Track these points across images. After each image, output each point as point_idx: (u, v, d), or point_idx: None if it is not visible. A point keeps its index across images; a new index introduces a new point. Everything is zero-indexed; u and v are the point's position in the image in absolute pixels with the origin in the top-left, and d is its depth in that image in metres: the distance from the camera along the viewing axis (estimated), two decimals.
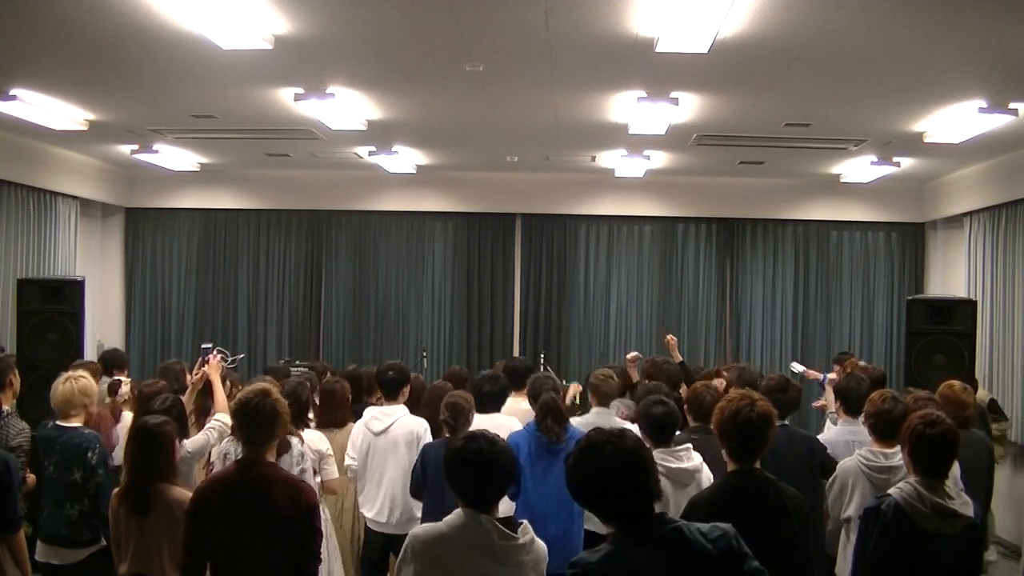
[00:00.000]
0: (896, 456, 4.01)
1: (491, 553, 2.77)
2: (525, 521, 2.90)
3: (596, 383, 5.41)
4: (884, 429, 4.09)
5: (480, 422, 5.09)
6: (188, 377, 5.37)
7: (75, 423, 4.36)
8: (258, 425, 3.27)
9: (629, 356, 6.81)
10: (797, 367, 8.05)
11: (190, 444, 4.35)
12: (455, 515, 2.85)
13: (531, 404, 5.05)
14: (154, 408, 4.18)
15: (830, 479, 4.20)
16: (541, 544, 2.90)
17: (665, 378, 5.90)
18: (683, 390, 5.76)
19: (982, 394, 7.68)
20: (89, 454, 4.24)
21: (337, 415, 5.33)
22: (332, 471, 4.79)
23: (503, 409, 5.27)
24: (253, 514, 3.18)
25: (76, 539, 4.22)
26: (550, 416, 4.59)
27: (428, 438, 4.93)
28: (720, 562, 2.43)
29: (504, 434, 4.59)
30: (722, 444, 3.26)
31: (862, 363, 7.54)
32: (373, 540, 5.08)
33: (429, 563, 2.81)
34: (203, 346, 5.27)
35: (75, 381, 4.39)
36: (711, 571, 2.43)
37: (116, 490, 3.80)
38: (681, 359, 7.04)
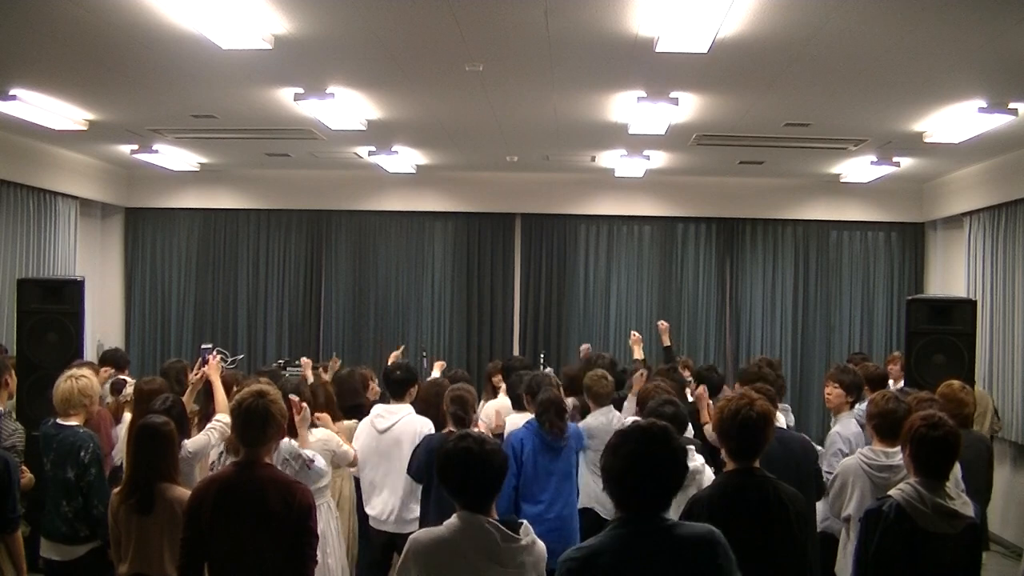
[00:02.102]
0: (897, 455, 4.02)
1: (493, 556, 2.78)
2: (525, 522, 2.91)
3: (590, 384, 5.47)
4: (886, 429, 4.12)
5: (515, 421, 5.14)
6: (189, 377, 5.37)
7: (74, 422, 4.38)
8: (251, 426, 3.28)
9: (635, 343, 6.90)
10: None
11: (191, 444, 4.36)
12: (455, 519, 2.85)
13: (527, 401, 5.06)
14: (155, 408, 4.19)
15: (832, 477, 4.24)
16: (541, 544, 2.92)
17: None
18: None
19: (981, 392, 7.70)
20: (82, 453, 4.26)
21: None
22: (348, 452, 4.82)
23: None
24: (248, 514, 3.19)
25: (73, 536, 4.24)
26: (552, 411, 4.62)
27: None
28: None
29: None
30: (721, 443, 3.28)
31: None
32: (375, 539, 5.08)
33: (430, 568, 2.81)
34: (203, 347, 5.26)
35: (75, 380, 4.42)
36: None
37: (117, 489, 3.80)
38: (668, 344, 7.18)
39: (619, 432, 2.66)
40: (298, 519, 3.21)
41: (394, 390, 5.21)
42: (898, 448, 4.01)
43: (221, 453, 4.38)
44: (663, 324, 7.48)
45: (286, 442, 4.29)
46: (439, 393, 5.06)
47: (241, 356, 7.38)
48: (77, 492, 4.23)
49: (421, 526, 4.06)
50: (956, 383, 4.78)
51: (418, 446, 4.70)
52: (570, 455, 4.75)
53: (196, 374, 4.99)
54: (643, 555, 2.48)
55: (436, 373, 6.89)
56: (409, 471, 4.71)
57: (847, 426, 5.05)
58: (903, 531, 3.23)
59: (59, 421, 4.38)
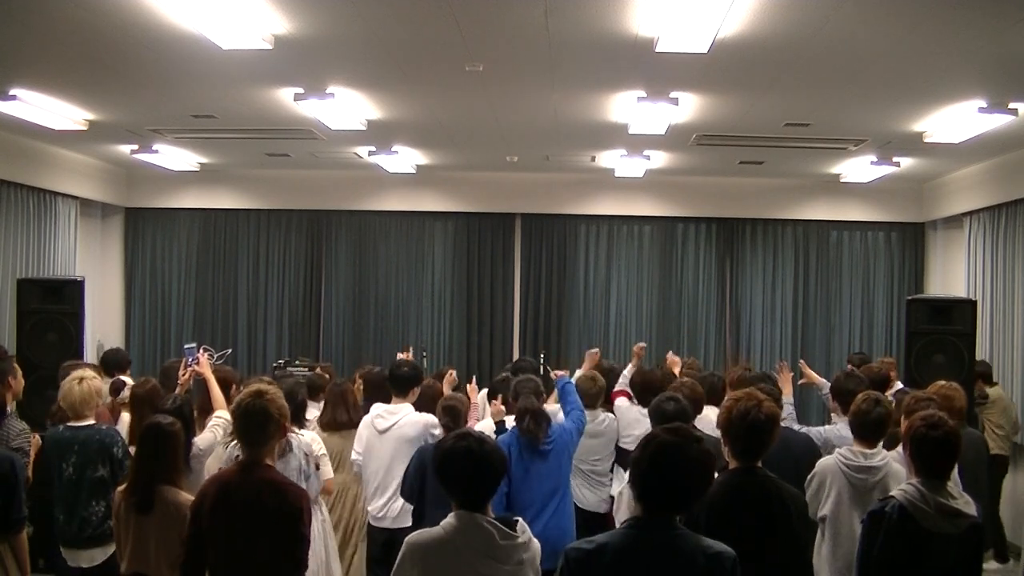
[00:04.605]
0: (876, 456, 4.02)
1: (492, 554, 2.80)
2: (520, 519, 2.94)
3: (581, 387, 5.49)
4: (864, 429, 4.08)
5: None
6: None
7: (89, 421, 4.43)
8: (249, 426, 3.29)
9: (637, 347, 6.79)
10: None
11: (201, 442, 4.39)
12: (451, 518, 2.87)
13: (512, 404, 5.05)
14: (165, 408, 4.21)
15: (808, 476, 4.15)
16: (536, 542, 2.96)
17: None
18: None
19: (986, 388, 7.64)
20: (114, 449, 4.37)
21: (348, 416, 5.40)
22: (328, 471, 4.80)
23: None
24: (244, 515, 3.21)
25: (103, 535, 4.25)
26: (529, 418, 4.61)
27: (438, 433, 4.88)
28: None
29: None
30: (726, 444, 3.28)
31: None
32: (375, 537, 5.11)
33: (428, 568, 2.82)
34: (185, 347, 5.22)
35: (89, 382, 4.47)
36: None
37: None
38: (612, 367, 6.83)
39: (651, 432, 2.71)
40: (288, 522, 3.22)
41: (398, 387, 5.21)
42: (877, 449, 4.04)
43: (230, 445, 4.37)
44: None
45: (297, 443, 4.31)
46: (432, 396, 5.14)
47: (228, 351, 7.29)
48: (112, 487, 4.26)
49: (415, 527, 4.05)
50: (943, 383, 4.74)
51: (410, 463, 4.67)
52: (559, 456, 4.72)
53: (183, 374, 4.99)
54: (647, 558, 2.48)
55: (447, 390, 6.78)
56: (402, 493, 4.71)
57: (830, 428, 5.06)
58: (906, 532, 3.22)
59: (71, 424, 4.41)
